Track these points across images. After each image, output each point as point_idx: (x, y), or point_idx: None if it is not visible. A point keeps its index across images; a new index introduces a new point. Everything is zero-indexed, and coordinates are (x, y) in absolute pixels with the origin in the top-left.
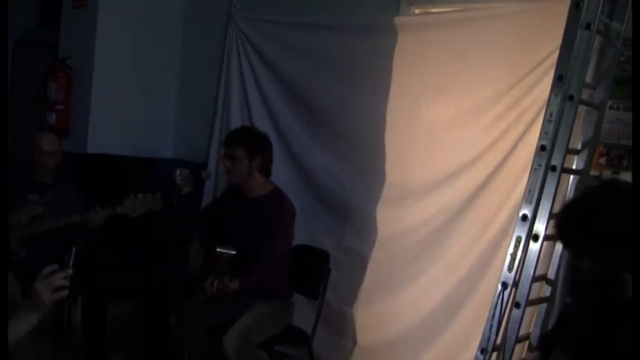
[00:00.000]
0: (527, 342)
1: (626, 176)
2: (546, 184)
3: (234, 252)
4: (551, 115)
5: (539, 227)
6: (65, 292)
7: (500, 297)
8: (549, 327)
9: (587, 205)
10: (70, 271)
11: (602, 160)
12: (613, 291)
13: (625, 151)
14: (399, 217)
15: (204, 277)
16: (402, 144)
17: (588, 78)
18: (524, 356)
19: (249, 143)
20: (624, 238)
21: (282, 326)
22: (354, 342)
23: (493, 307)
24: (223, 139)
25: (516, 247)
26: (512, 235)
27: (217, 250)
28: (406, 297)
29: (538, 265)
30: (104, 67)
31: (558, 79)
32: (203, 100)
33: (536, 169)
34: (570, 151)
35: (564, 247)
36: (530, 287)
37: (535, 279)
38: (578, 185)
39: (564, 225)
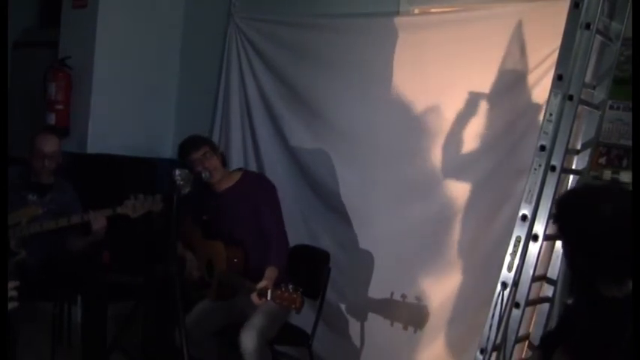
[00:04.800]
0: (527, 342)
1: (626, 176)
2: (546, 184)
3: (240, 252)
4: (550, 114)
5: (539, 227)
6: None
7: (500, 297)
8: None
9: (585, 198)
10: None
11: (602, 160)
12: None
13: (625, 151)
14: (399, 216)
15: (201, 284)
16: (402, 143)
17: (588, 78)
18: (524, 356)
19: (208, 141)
20: (603, 248)
21: (289, 314)
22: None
23: (493, 307)
24: (182, 151)
25: (516, 247)
26: (512, 235)
27: (225, 256)
28: (406, 296)
29: (538, 265)
30: (104, 67)
31: (558, 78)
32: (203, 99)
33: (535, 169)
34: (570, 151)
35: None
36: (529, 287)
37: (535, 279)
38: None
39: (562, 207)
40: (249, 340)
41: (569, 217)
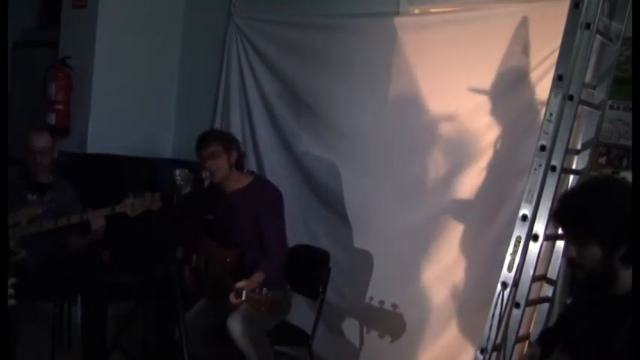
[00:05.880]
0: (527, 342)
1: (626, 176)
2: (546, 184)
3: (234, 252)
4: (551, 114)
5: (539, 227)
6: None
7: (500, 297)
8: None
9: (591, 193)
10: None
11: (602, 160)
12: (609, 283)
13: (625, 151)
14: (400, 217)
15: (200, 287)
16: (402, 144)
17: (588, 78)
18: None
19: (222, 139)
20: (623, 232)
21: (282, 316)
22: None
23: (493, 306)
24: (196, 145)
25: (516, 247)
26: (512, 235)
27: (218, 255)
28: (406, 297)
29: (538, 265)
30: (104, 67)
31: (558, 78)
32: (203, 99)
33: (536, 169)
34: (570, 151)
35: (566, 231)
36: (529, 287)
37: (535, 279)
38: None
39: (568, 208)
40: (235, 323)
41: (595, 216)
